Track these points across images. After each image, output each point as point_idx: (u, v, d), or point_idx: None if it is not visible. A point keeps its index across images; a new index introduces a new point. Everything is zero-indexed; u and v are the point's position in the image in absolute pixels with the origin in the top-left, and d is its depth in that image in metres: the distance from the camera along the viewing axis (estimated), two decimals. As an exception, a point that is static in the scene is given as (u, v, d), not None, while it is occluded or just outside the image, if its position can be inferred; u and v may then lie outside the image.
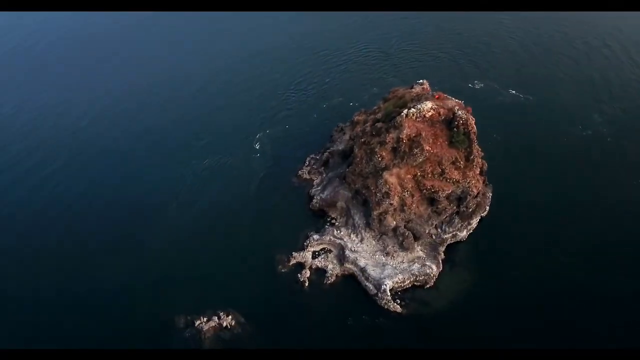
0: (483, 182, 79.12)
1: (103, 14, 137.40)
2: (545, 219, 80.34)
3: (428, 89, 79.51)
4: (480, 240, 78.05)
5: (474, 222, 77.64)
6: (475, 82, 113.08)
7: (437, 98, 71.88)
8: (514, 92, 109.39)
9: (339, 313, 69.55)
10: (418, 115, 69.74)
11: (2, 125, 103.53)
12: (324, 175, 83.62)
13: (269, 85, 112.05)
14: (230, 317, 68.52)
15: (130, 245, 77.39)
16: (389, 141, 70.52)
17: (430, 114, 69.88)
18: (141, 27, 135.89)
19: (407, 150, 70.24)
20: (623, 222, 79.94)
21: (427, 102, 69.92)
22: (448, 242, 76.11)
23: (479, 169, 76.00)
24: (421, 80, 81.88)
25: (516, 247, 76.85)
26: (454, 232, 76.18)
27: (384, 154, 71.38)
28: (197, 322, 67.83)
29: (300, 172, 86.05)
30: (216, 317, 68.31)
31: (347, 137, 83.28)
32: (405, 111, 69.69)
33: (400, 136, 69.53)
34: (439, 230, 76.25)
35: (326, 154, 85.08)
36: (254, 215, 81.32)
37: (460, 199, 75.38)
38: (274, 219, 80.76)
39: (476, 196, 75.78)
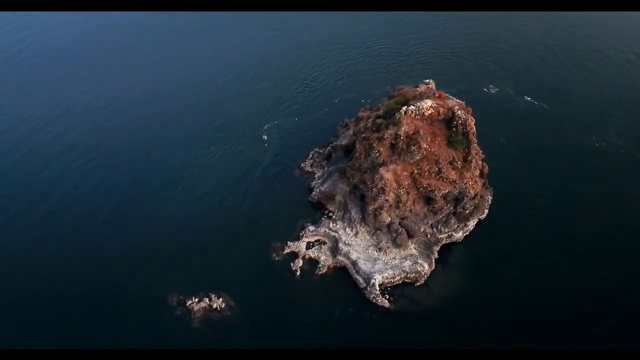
0: (483, 185, 78.85)
1: (134, 14, 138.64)
2: (545, 227, 79.23)
3: (433, 88, 79.58)
4: (477, 243, 77.73)
5: (471, 224, 77.43)
6: (491, 86, 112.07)
7: (438, 97, 72.05)
8: (529, 98, 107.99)
9: (327, 304, 70.33)
10: (417, 112, 70.11)
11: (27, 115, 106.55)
12: (326, 169, 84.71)
13: (285, 80, 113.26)
14: (220, 299, 70.20)
15: (131, 224, 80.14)
16: (387, 137, 71.11)
17: (429, 112, 70.14)
18: (173, 27, 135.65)
19: (404, 147, 70.70)
20: (630, 237, 78.13)
21: (427, 101, 70.23)
22: (443, 242, 76.13)
23: (478, 171, 75.80)
24: (427, 80, 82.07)
25: (513, 252, 76.12)
26: (450, 233, 76.17)
27: (381, 149, 71.98)
28: (189, 302, 69.72)
29: (302, 165, 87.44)
30: (207, 299, 70.09)
31: (350, 132, 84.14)
32: (404, 108, 70.11)
33: (399, 133, 70.02)
34: (434, 229, 76.35)
35: (329, 148, 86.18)
36: (254, 203, 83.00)
37: (457, 200, 75.29)
38: (273, 208, 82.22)
39: (474, 198, 75.60)
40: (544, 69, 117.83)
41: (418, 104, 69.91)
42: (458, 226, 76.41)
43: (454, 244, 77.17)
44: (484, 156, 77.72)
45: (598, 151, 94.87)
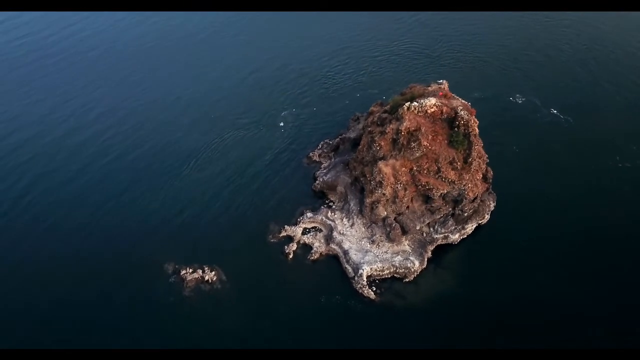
0: (486, 190, 78.34)
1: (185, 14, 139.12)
2: (548, 242, 77.42)
3: (446, 89, 79.29)
4: (473, 247, 77.46)
5: (469, 227, 77.04)
6: (518, 95, 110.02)
7: (442, 95, 72.16)
8: (555, 111, 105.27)
9: (314, 289, 71.97)
10: (420, 109, 70.50)
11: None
12: (332, 160, 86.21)
13: (311, 72, 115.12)
14: (213, 272, 73.12)
15: (141, 197, 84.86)
16: (389, 132, 71.91)
17: (432, 110, 70.41)
18: (215, 26, 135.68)
19: (405, 143, 71.25)
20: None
21: (431, 98, 70.53)
22: (438, 242, 76.14)
23: (480, 174, 75.36)
24: (441, 80, 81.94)
25: (510, 261, 75.27)
26: (446, 234, 76.10)
27: (382, 143, 72.83)
28: (183, 272, 73.02)
29: (311, 154, 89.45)
30: (201, 270, 73.17)
31: (360, 126, 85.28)
32: (407, 104, 70.71)
33: (400, 128, 70.65)
34: (431, 229, 76.46)
35: (337, 139, 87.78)
36: (259, 186, 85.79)
37: (456, 201, 75.11)
38: (276, 193, 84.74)
39: (473, 201, 75.20)
40: (576, 82, 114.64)
41: (422, 101, 70.33)
42: (455, 228, 76.22)
43: (449, 245, 77.07)
44: (487, 160, 77.15)
45: (619, 171, 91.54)
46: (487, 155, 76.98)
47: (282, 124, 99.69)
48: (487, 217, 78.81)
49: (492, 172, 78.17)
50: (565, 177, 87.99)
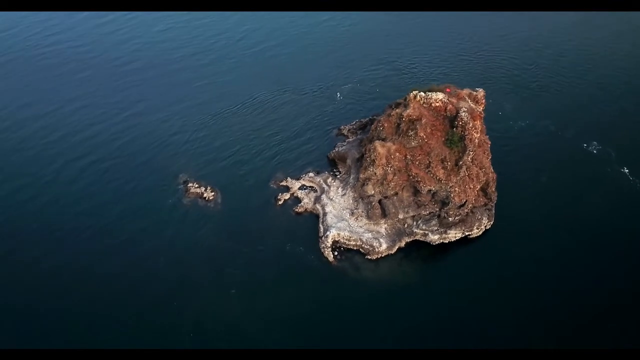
0: (484, 205, 77.02)
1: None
2: (527, 281, 72.35)
3: (480, 98, 78.71)
4: (449, 254, 76.92)
5: (453, 234, 76.40)
6: (594, 143, 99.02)
7: (449, 92, 72.61)
8: (626, 170, 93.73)
9: (285, 235, 78.50)
10: (425, 100, 72.14)
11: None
12: (357, 137, 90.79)
13: (393, 59, 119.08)
14: (212, 193, 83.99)
15: (189, 121, 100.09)
16: (394, 115, 74.81)
17: (436, 104, 71.61)
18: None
19: (404, 129, 73.63)
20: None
21: (439, 93, 71.70)
22: (417, 237, 76.98)
23: (478, 185, 74.57)
24: (478, 88, 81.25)
25: (477, 281, 72.46)
26: (426, 232, 76.63)
27: (386, 125, 75.99)
28: (190, 184, 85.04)
29: (342, 127, 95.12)
30: (204, 188, 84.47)
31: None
32: (414, 92, 72.83)
33: (403, 114, 73.23)
34: (414, 222, 77.63)
35: (367, 119, 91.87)
36: (285, 140, 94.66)
37: (444, 203, 75.35)
38: (299, 151, 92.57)
39: (460, 207, 74.72)
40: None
41: (429, 93, 71.93)
42: (437, 229, 76.32)
43: (426, 244, 77.12)
44: (494, 175, 75.73)
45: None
46: (493, 170, 75.81)
47: (338, 94, 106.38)
48: (478, 232, 77.17)
49: (494, 189, 76.52)
50: (592, 238, 78.86)
